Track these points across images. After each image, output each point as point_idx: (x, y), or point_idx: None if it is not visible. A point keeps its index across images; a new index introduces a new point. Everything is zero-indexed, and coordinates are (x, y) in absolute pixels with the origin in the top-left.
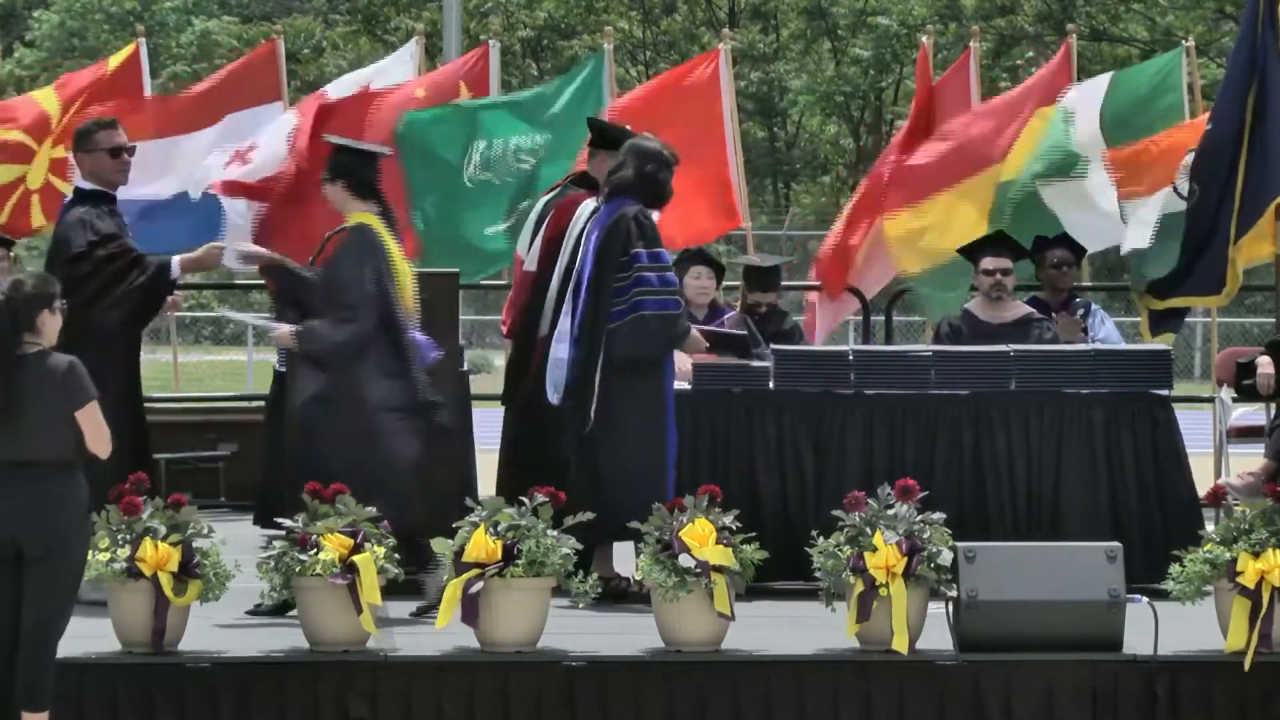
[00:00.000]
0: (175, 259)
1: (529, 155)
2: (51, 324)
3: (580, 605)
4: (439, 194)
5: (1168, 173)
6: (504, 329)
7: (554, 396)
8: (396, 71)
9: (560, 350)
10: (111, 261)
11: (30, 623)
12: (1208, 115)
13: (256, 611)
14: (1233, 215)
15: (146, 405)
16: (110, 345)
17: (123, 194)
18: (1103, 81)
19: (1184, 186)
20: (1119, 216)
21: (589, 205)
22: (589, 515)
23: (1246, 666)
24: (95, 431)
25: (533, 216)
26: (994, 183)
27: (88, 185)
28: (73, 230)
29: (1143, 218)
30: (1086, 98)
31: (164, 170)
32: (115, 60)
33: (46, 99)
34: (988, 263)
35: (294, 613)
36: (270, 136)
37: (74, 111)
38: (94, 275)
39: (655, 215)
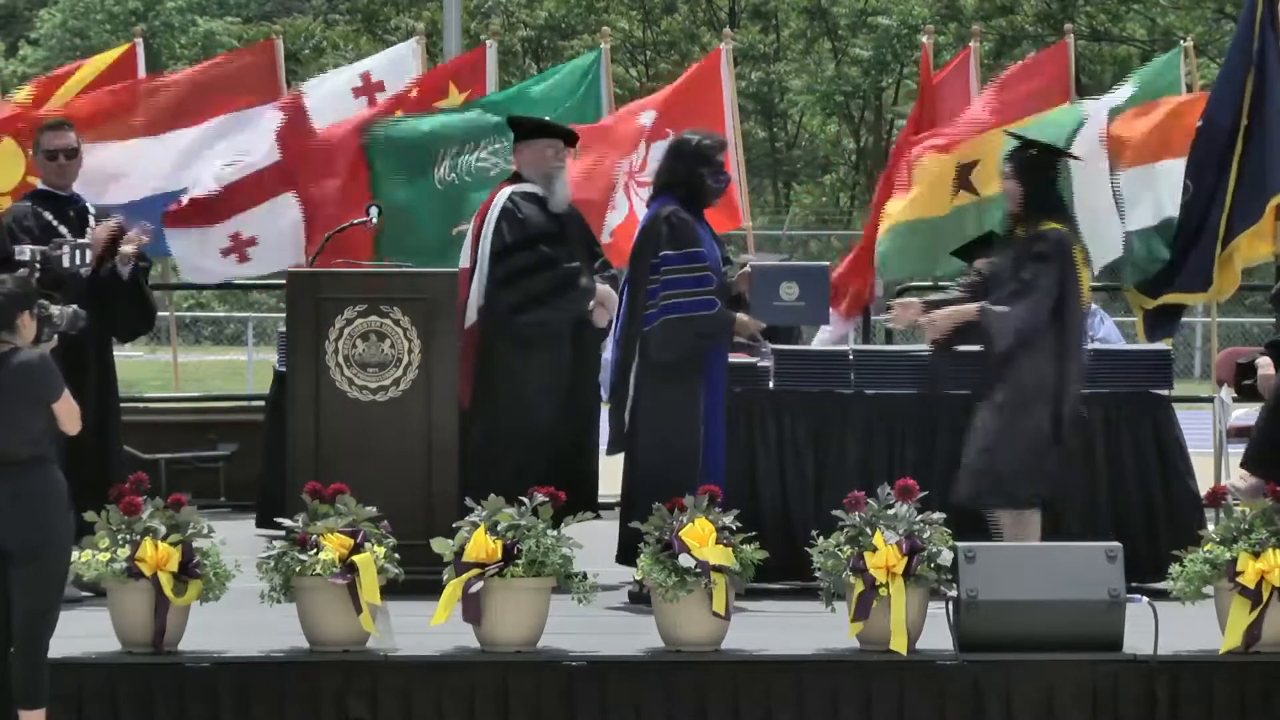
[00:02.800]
0: (66, 249)
1: (493, 157)
2: (29, 325)
3: (581, 602)
4: (407, 192)
5: (1149, 151)
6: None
7: (605, 395)
8: (394, 70)
9: (608, 351)
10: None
11: (20, 621)
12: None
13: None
14: (1223, 213)
15: (146, 405)
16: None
17: (107, 198)
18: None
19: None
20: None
21: (504, 193)
22: (590, 515)
23: (1222, 650)
24: (69, 415)
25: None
26: (951, 164)
27: (41, 185)
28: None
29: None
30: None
31: (148, 167)
32: (105, 59)
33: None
34: (980, 265)
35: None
36: (258, 142)
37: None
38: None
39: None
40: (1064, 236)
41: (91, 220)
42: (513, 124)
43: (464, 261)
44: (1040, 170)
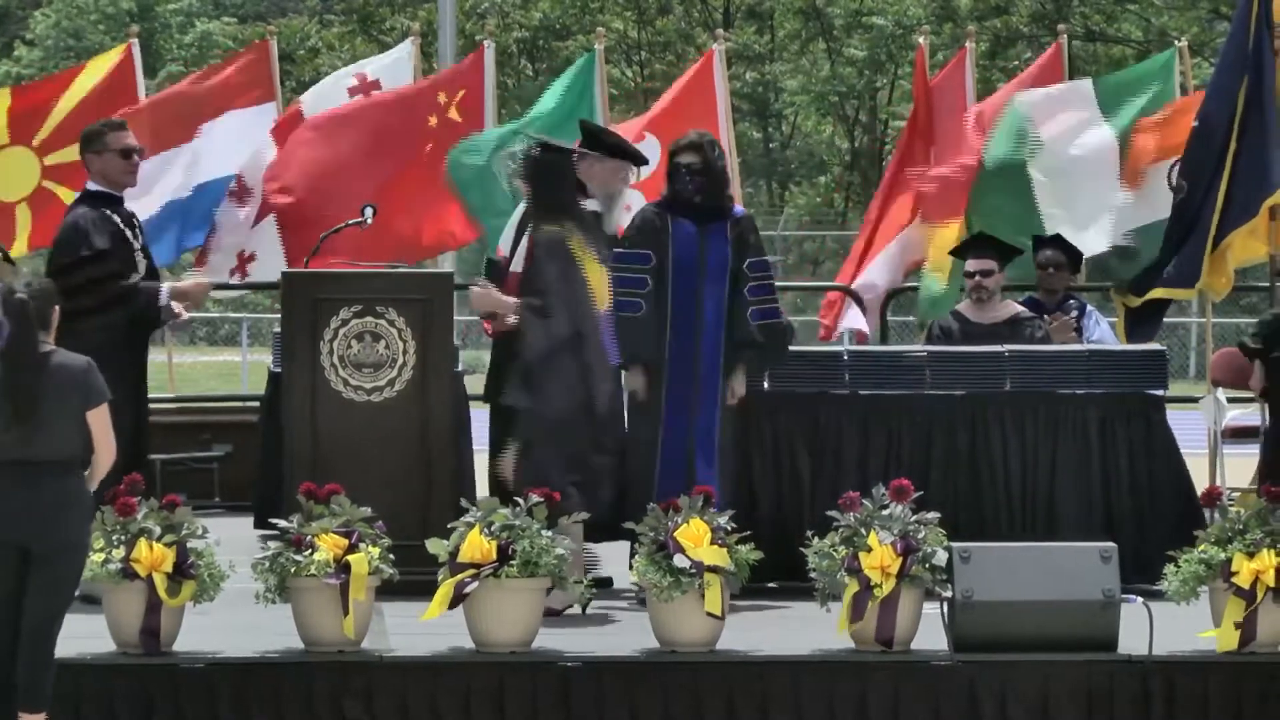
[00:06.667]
0: (164, 287)
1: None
2: (56, 321)
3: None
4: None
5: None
6: (487, 328)
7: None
8: (391, 72)
9: None
10: (99, 286)
11: (34, 621)
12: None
13: None
14: (1215, 212)
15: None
16: (102, 352)
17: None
18: (1083, 86)
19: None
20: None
21: None
22: (585, 515)
23: (1219, 648)
24: (104, 434)
25: (515, 217)
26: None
27: (95, 187)
28: (69, 234)
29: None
30: (1056, 101)
31: (155, 183)
32: (103, 62)
33: None
34: (970, 264)
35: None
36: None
37: (66, 115)
38: (85, 291)
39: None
40: (555, 237)
41: (138, 223)
42: (594, 134)
43: (516, 265)
44: (546, 170)
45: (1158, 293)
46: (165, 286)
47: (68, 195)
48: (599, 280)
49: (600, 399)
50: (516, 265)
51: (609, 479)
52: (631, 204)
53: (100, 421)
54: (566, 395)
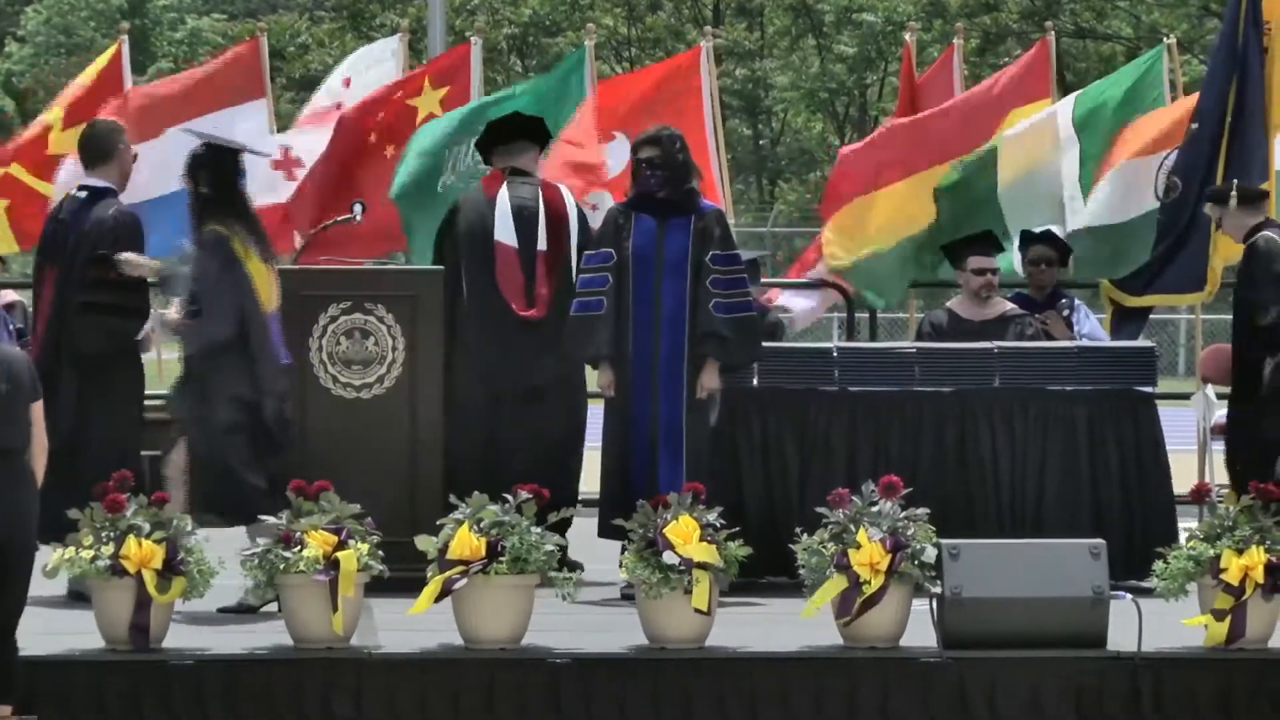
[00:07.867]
0: (155, 313)
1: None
2: None
3: (565, 599)
4: (418, 193)
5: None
6: (528, 312)
7: None
8: (378, 67)
9: None
10: (140, 289)
11: (3, 616)
12: (1190, 112)
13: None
14: None
15: None
16: (132, 348)
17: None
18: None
19: (1161, 184)
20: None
21: (570, 194)
22: (570, 511)
23: (1206, 641)
24: (41, 430)
25: (505, 205)
26: (935, 182)
27: (101, 183)
28: (132, 226)
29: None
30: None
31: (146, 169)
32: (98, 64)
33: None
34: (976, 262)
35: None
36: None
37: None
38: (134, 288)
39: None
40: (218, 236)
41: None
42: (539, 127)
43: (542, 244)
44: (210, 168)
45: (1159, 298)
46: (156, 313)
47: (29, 178)
48: (264, 280)
49: (268, 399)
50: (541, 243)
51: (279, 479)
52: (598, 205)
53: (40, 417)
54: (231, 397)
